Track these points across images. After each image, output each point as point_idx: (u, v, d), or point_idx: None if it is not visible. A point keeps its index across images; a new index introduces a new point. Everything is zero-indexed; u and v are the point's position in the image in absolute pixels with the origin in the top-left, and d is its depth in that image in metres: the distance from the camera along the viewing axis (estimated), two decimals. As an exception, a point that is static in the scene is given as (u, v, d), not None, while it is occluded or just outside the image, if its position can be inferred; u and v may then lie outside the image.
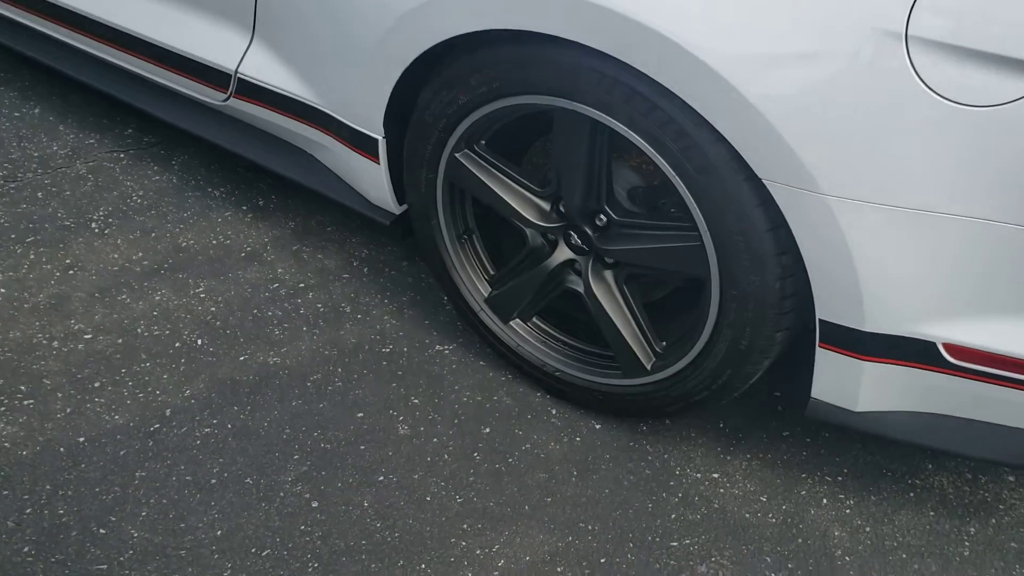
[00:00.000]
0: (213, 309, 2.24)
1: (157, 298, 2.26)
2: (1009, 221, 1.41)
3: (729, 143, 1.52)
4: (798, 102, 1.43)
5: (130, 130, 2.79)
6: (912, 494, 1.93)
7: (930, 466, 1.99)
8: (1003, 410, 1.60)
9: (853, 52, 1.39)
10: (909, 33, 1.35)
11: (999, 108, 1.34)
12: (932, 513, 1.89)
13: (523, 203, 1.88)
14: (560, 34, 1.59)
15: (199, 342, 2.16)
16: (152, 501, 1.82)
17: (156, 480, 1.86)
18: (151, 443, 1.93)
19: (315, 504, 1.84)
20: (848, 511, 1.89)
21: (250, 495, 1.85)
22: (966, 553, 1.83)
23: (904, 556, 1.82)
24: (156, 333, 2.17)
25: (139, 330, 2.17)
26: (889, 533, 1.85)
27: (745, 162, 1.53)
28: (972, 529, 1.87)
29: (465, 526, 1.82)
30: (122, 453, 1.90)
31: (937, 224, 1.44)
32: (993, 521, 1.88)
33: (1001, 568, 1.80)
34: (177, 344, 2.15)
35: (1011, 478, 1.97)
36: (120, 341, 2.14)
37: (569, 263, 1.93)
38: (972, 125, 1.36)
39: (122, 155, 2.70)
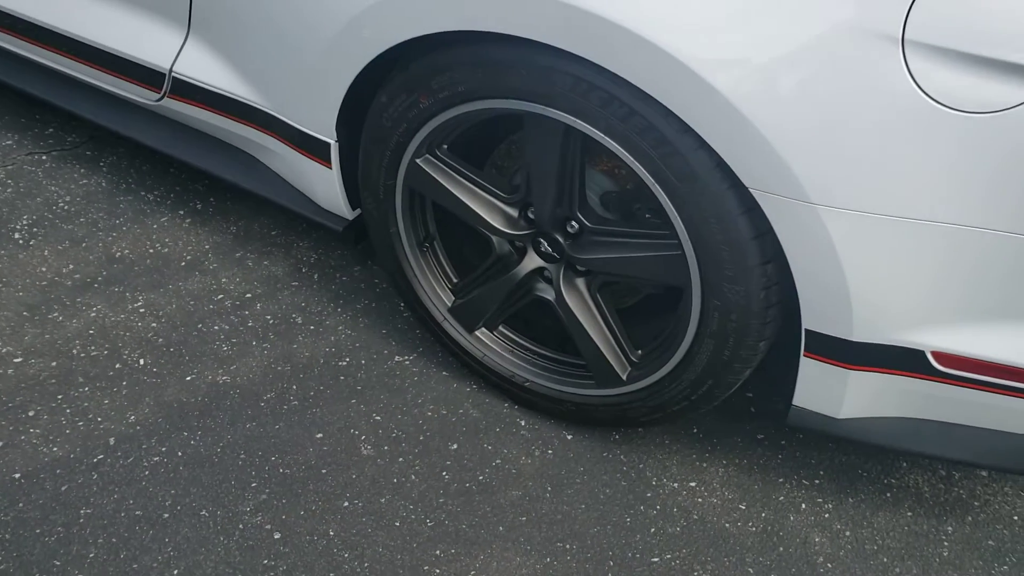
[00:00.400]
0: (154, 325, 2.10)
1: (92, 315, 2.11)
2: (1004, 229, 1.36)
3: (713, 150, 1.45)
4: (788, 108, 1.36)
5: (51, 129, 2.61)
6: (889, 494, 1.91)
7: (904, 464, 1.97)
8: (990, 415, 1.58)
9: (846, 56, 1.32)
10: (906, 37, 1.29)
11: (997, 115, 1.29)
12: (910, 513, 1.87)
13: (490, 210, 1.79)
14: (530, 36, 1.49)
15: (141, 362, 2.02)
16: (100, 541, 1.69)
17: (103, 517, 1.73)
18: (95, 476, 1.79)
19: (277, 535, 1.74)
20: (827, 515, 1.86)
21: (207, 528, 1.73)
22: (945, 553, 1.81)
23: (885, 560, 1.79)
24: (93, 354, 2.02)
25: (74, 351, 2.02)
26: (869, 536, 1.83)
27: (729, 169, 1.46)
28: (950, 528, 1.85)
29: (438, 552, 1.74)
30: (64, 489, 1.77)
31: (930, 233, 1.39)
32: (969, 519, 1.87)
33: (980, 567, 1.79)
34: (117, 365, 2.01)
35: (983, 474, 1.96)
36: (54, 364, 1.99)
37: (539, 271, 1.84)
38: (969, 132, 1.31)
39: (44, 157, 2.52)
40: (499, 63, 1.56)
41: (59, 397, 1.93)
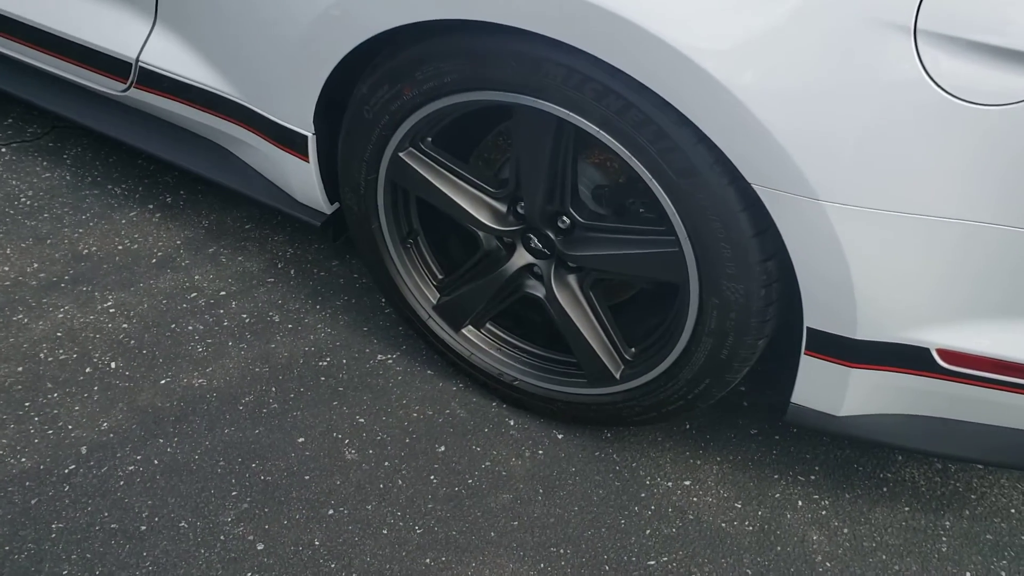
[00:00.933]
0: (125, 326, 2.02)
1: (60, 316, 2.02)
2: (1016, 224, 1.32)
3: (713, 144, 1.39)
4: (793, 100, 1.30)
5: (10, 120, 2.50)
6: (885, 489, 1.87)
7: (899, 458, 1.94)
8: (995, 412, 1.54)
9: (855, 46, 1.26)
10: (918, 26, 1.23)
11: (1012, 107, 1.24)
12: (907, 508, 1.84)
13: (477, 205, 1.72)
14: (521, 25, 1.42)
15: (112, 365, 1.93)
16: (74, 557, 1.62)
17: (76, 531, 1.65)
18: (67, 488, 1.72)
19: (260, 546, 1.67)
20: (824, 512, 1.82)
21: (186, 541, 1.66)
22: (944, 549, 1.78)
23: (884, 557, 1.76)
24: (62, 358, 1.94)
25: (42, 355, 1.94)
26: (866, 533, 1.79)
27: (730, 164, 1.40)
28: (947, 523, 1.82)
29: (428, 560, 1.68)
30: (33, 502, 1.69)
31: (940, 229, 1.34)
32: (967, 512, 1.84)
33: (979, 562, 1.76)
34: (87, 369, 1.92)
35: (979, 467, 1.93)
36: (20, 369, 1.90)
37: (528, 267, 1.78)
38: (983, 125, 1.26)
39: (3, 149, 2.41)
40: (488, 53, 1.49)
41: (26, 404, 1.84)
